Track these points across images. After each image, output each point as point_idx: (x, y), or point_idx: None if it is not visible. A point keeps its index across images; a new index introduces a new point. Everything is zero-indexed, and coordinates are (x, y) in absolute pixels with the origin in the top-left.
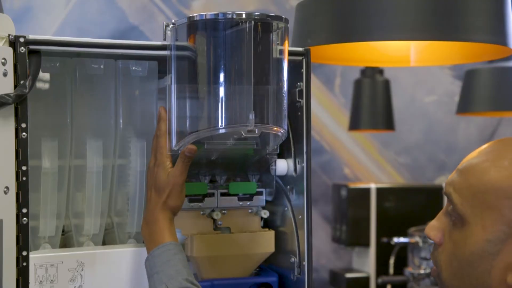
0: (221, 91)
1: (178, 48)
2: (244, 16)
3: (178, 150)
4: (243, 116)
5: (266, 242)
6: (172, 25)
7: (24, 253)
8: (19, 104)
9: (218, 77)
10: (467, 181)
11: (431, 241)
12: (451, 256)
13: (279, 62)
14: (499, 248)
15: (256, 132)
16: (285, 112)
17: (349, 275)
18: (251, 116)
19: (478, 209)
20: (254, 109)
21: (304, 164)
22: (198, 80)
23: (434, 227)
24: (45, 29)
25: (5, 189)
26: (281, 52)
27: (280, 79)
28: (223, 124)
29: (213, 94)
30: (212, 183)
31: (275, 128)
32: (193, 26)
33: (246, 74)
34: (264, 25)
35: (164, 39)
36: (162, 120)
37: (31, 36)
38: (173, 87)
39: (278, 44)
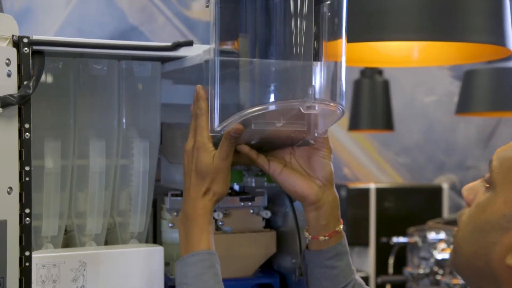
0: (275, 64)
1: (223, 12)
2: None
3: (221, 131)
4: (300, 91)
5: (268, 243)
6: None
7: (27, 253)
8: (22, 104)
9: (270, 49)
10: (510, 153)
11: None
12: (470, 219)
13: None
14: (511, 226)
15: (316, 108)
16: (343, 88)
17: None
18: (310, 91)
19: (507, 182)
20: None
21: None
22: (247, 52)
23: (470, 188)
24: (45, 30)
25: (8, 190)
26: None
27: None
28: (277, 100)
29: (265, 67)
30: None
31: (333, 105)
32: None
33: (306, 46)
34: None
35: (207, 5)
36: (201, 98)
37: (35, 37)
38: (216, 59)
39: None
